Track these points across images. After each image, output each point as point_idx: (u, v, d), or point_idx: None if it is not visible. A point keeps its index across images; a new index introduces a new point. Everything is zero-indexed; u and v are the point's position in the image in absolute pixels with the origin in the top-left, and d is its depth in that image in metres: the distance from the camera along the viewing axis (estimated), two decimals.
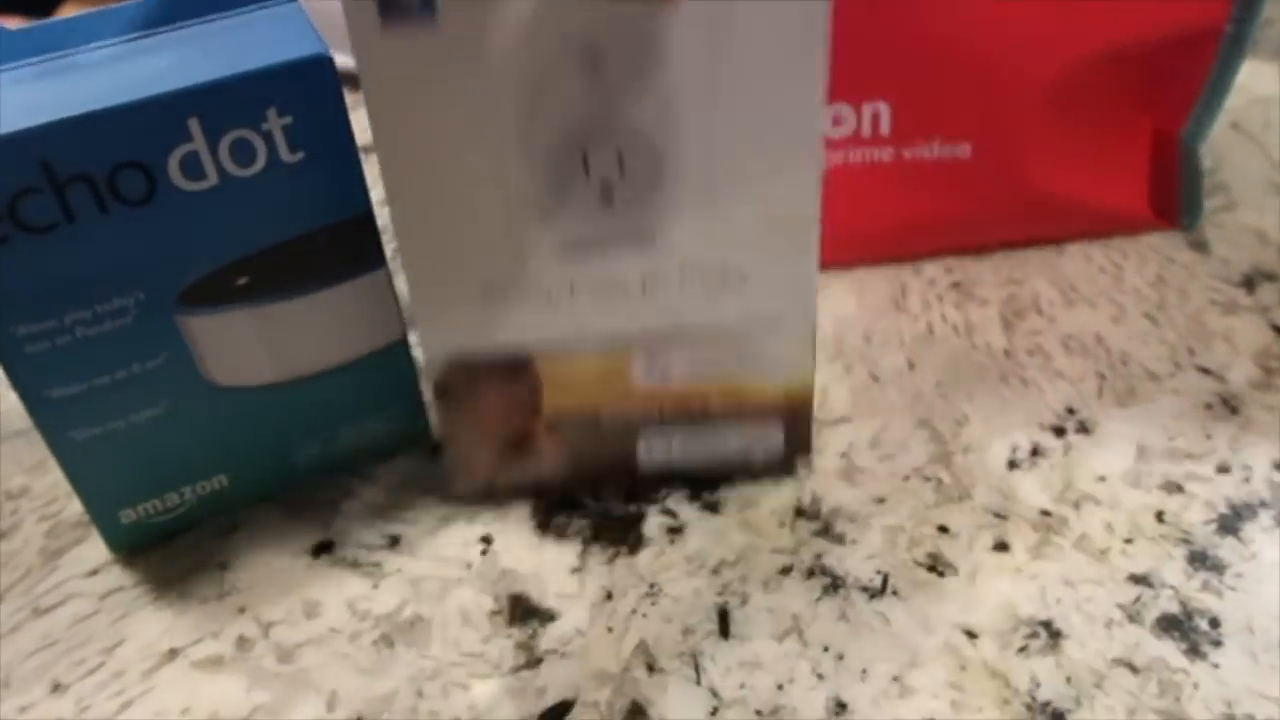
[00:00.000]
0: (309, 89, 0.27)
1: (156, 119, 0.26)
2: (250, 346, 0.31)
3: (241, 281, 0.29)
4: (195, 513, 0.33)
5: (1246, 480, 0.32)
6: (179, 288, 0.29)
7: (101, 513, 0.31)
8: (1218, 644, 0.28)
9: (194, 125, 0.27)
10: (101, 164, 0.26)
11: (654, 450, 0.32)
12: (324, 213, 0.29)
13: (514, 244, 0.28)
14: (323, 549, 0.32)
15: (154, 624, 0.30)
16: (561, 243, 0.28)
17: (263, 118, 0.27)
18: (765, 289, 0.29)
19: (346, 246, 0.30)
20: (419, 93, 0.25)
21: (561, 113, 0.25)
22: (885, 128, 0.39)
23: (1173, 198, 0.42)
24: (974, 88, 0.38)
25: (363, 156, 0.29)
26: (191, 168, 0.27)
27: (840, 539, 0.31)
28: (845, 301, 0.40)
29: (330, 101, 0.28)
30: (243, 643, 0.29)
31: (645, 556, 0.31)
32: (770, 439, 0.32)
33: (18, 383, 0.28)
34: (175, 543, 0.32)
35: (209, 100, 0.26)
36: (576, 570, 0.31)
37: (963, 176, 0.40)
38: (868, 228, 0.41)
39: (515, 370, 0.30)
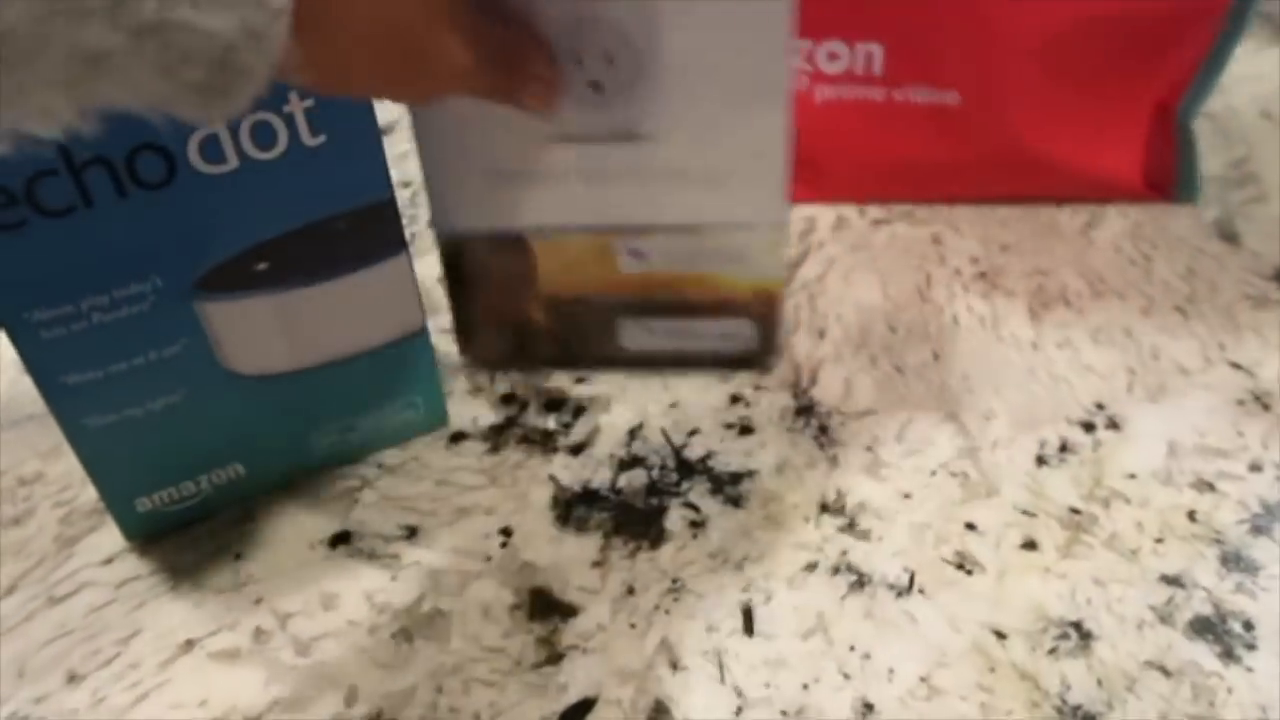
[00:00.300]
0: None
1: None
2: (269, 333, 0.30)
3: (261, 267, 0.29)
4: (211, 501, 0.32)
5: (1279, 479, 0.32)
6: (198, 273, 0.28)
7: (117, 501, 0.31)
8: (1252, 647, 0.28)
9: None
10: (120, 146, 0.25)
11: (635, 335, 0.35)
12: (345, 197, 0.29)
13: (516, 133, 0.30)
14: (340, 540, 0.32)
15: (170, 614, 0.30)
16: (558, 133, 0.30)
17: (285, 100, 0.27)
18: (739, 190, 0.32)
19: (367, 232, 0.30)
20: None
21: (555, 13, 0.28)
22: (877, 68, 0.40)
23: (1169, 171, 0.42)
24: (966, 37, 0.39)
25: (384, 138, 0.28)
26: (211, 150, 0.26)
27: (866, 535, 0.31)
28: (870, 291, 0.39)
29: None
30: (260, 634, 0.29)
31: (667, 551, 0.31)
32: (742, 334, 0.35)
33: (33, 369, 0.27)
34: (190, 531, 0.32)
35: None
36: (598, 564, 0.30)
37: (949, 123, 0.40)
38: (856, 164, 0.42)
39: (513, 249, 0.33)
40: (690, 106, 0.30)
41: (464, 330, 0.35)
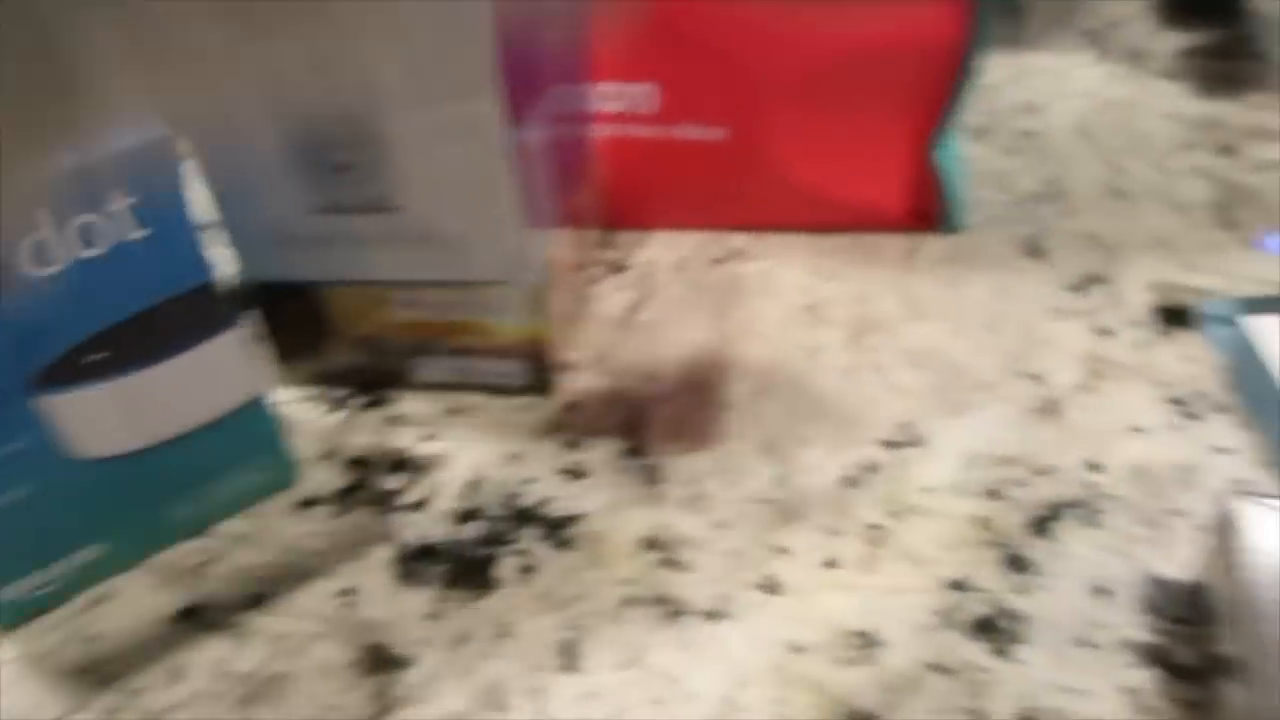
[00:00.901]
0: (151, 170, 0.29)
1: (3, 211, 0.27)
2: (112, 418, 0.32)
3: (96, 357, 0.31)
4: (74, 584, 0.34)
5: (1060, 482, 0.34)
6: (34, 370, 0.30)
7: None
8: (1023, 641, 0.30)
9: (41, 214, 0.28)
10: None
11: (426, 369, 0.40)
12: (169, 284, 0.31)
13: (281, 200, 0.35)
14: (189, 613, 0.33)
15: (25, 701, 0.31)
16: (318, 204, 0.35)
17: (106, 200, 0.29)
18: (486, 253, 0.36)
19: (195, 312, 0.32)
20: None
21: (301, 104, 0.33)
22: (652, 107, 0.44)
23: (931, 201, 0.45)
24: (729, 79, 0.43)
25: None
26: (40, 254, 0.28)
27: (683, 567, 0.33)
28: (703, 330, 0.42)
29: (171, 180, 0.29)
30: (112, 713, 0.31)
31: (498, 597, 0.33)
32: (516, 373, 0.39)
33: None
34: (48, 617, 0.34)
35: (56, 189, 0.28)
36: (432, 616, 0.32)
37: (719, 157, 0.45)
38: (639, 196, 0.47)
39: (305, 295, 0.38)
40: (425, 182, 0.34)
41: (280, 358, 0.40)
